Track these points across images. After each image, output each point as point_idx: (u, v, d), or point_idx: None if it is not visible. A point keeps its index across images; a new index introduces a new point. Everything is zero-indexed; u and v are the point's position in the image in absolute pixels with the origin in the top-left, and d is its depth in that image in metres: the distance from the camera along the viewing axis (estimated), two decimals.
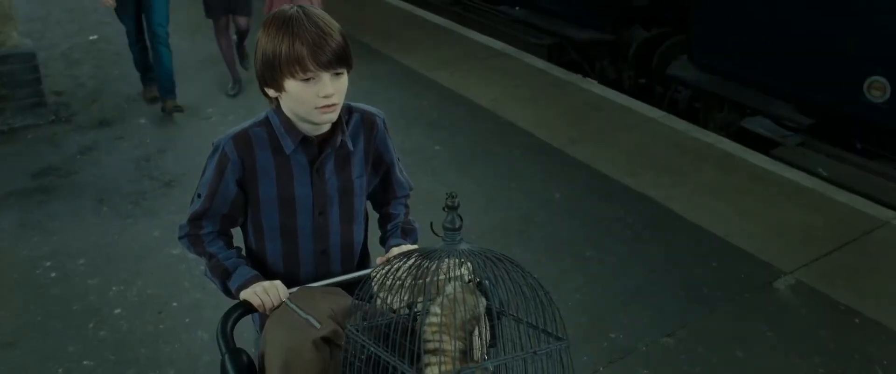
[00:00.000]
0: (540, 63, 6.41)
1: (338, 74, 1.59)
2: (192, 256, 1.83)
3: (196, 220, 1.76)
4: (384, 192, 1.91)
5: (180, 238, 1.80)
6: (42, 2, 8.23)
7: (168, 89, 5.28)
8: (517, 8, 7.13)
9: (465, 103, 5.57)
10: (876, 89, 4.27)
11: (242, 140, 1.68)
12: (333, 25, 1.60)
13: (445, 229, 1.32)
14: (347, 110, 1.76)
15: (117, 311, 3.33)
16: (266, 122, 1.70)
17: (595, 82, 6.08)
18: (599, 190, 4.36)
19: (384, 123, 1.82)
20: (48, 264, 3.67)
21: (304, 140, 1.68)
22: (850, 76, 4.39)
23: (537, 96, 5.69)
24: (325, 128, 1.70)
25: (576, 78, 6.09)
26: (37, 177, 4.52)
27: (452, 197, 1.30)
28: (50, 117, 5.27)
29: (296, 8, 1.60)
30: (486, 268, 1.31)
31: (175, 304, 3.37)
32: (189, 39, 6.67)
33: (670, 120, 5.26)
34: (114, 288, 3.48)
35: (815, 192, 4.27)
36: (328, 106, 1.59)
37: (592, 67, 6.58)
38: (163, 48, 5.18)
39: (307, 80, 1.57)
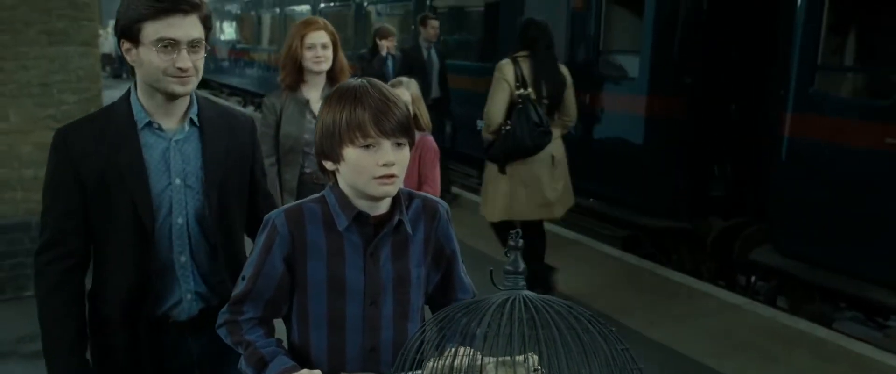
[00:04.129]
0: (614, 251, 6.27)
1: (399, 144, 1.52)
2: (229, 343, 1.67)
3: (237, 304, 1.63)
4: (444, 292, 1.75)
5: (219, 327, 1.67)
6: None
7: None
8: (591, 199, 7.13)
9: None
10: None
11: (294, 214, 1.59)
12: (398, 97, 1.56)
13: (507, 272, 1.16)
14: (408, 195, 1.67)
15: None
16: (322, 199, 1.62)
17: (672, 270, 5.85)
18: (681, 371, 4.01)
19: (448, 212, 1.71)
20: None
21: (359, 216, 1.57)
22: None
23: (613, 282, 5.50)
24: (383, 208, 1.60)
25: (652, 265, 5.89)
26: None
27: (517, 236, 1.16)
28: None
29: (361, 79, 1.58)
30: (551, 326, 1.13)
31: None
32: None
33: (755, 306, 4.96)
34: None
35: None
36: (388, 176, 1.50)
37: (669, 257, 6.38)
38: None
39: (367, 147, 1.50)
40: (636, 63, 6.40)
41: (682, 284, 5.41)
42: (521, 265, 1.16)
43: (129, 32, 1.77)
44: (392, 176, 1.51)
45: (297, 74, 3.31)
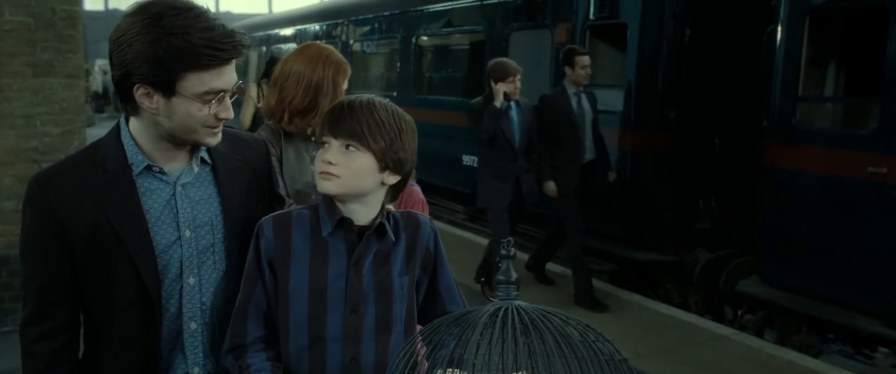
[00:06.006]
0: (601, 284, 6.24)
1: (350, 147, 1.54)
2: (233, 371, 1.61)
3: (240, 324, 1.59)
4: (432, 301, 1.70)
5: (226, 352, 1.61)
6: None
7: None
8: None
9: None
10: None
11: (281, 219, 1.60)
12: (373, 111, 1.56)
13: (500, 282, 1.14)
14: (387, 210, 1.67)
15: None
16: (315, 205, 1.63)
17: (660, 302, 5.84)
18: None
19: (432, 225, 1.70)
20: None
21: (342, 222, 1.57)
22: None
23: (601, 315, 5.46)
24: (367, 217, 1.59)
25: (639, 298, 5.87)
26: None
27: (509, 245, 1.15)
28: None
29: (362, 96, 1.61)
30: (546, 337, 1.11)
31: None
32: None
33: (743, 337, 4.95)
34: None
35: None
36: (326, 173, 1.54)
37: (656, 291, 6.37)
38: None
39: (323, 144, 1.57)
40: (620, 97, 6.46)
41: (670, 316, 5.39)
42: (514, 275, 1.15)
43: (159, 81, 1.44)
44: (328, 174, 1.55)
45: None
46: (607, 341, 1.11)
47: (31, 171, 4.74)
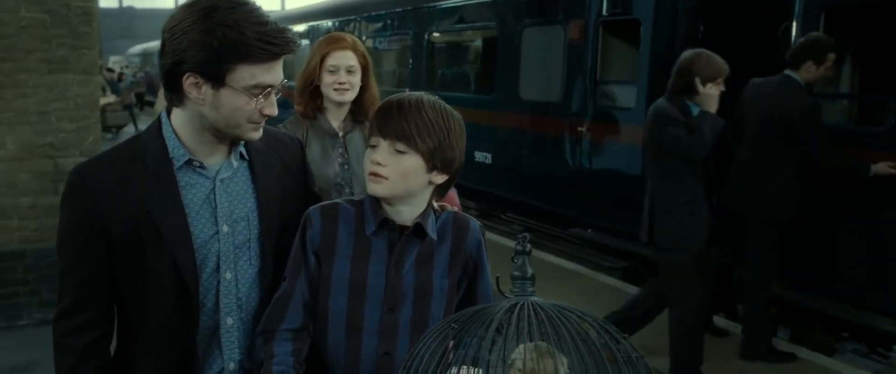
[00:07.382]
0: (613, 281, 6.24)
1: (399, 151, 1.54)
2: (260, 356, 1.61)
3: (280, 308, 1.59)
4: (467, 305, 1.68)
5: (258, 334, 1.62)
6: None
7: None
8: (589, 230, 7.10)
9: None
10: None
11: (330, 210, 1.62)
12: (421, 110, 1.54)
13: (514, 278, 1.14)
14: (441, 208, 1.69)
15: None
16: (360, 201, 1.64)
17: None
18: None
19: (481, 229, 1.70)
20: None
21: (385, 222, 1.59)
22: None
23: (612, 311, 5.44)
24: (409, 217, 1.59)
25: None
26: None
27: (524, 240, 1.14)
28: None
29: (418, 94, 1.61)
30: (562, 333, 1.10)
31: None
32: None
33: None
34: None
35: None
36: (373, 174, 1.54)
37: None
38: None
39: (372, 146, 1.57)
40: (633, 93, 6.43)
41: None
42: (530, 271, 1.14)
43: (210, 70, 1.46)
44: (377, 175, 1.54)
45: (314, 100, 2.72)
46: (624, 337, 1.11)
47: (47, 167, 4.79)
